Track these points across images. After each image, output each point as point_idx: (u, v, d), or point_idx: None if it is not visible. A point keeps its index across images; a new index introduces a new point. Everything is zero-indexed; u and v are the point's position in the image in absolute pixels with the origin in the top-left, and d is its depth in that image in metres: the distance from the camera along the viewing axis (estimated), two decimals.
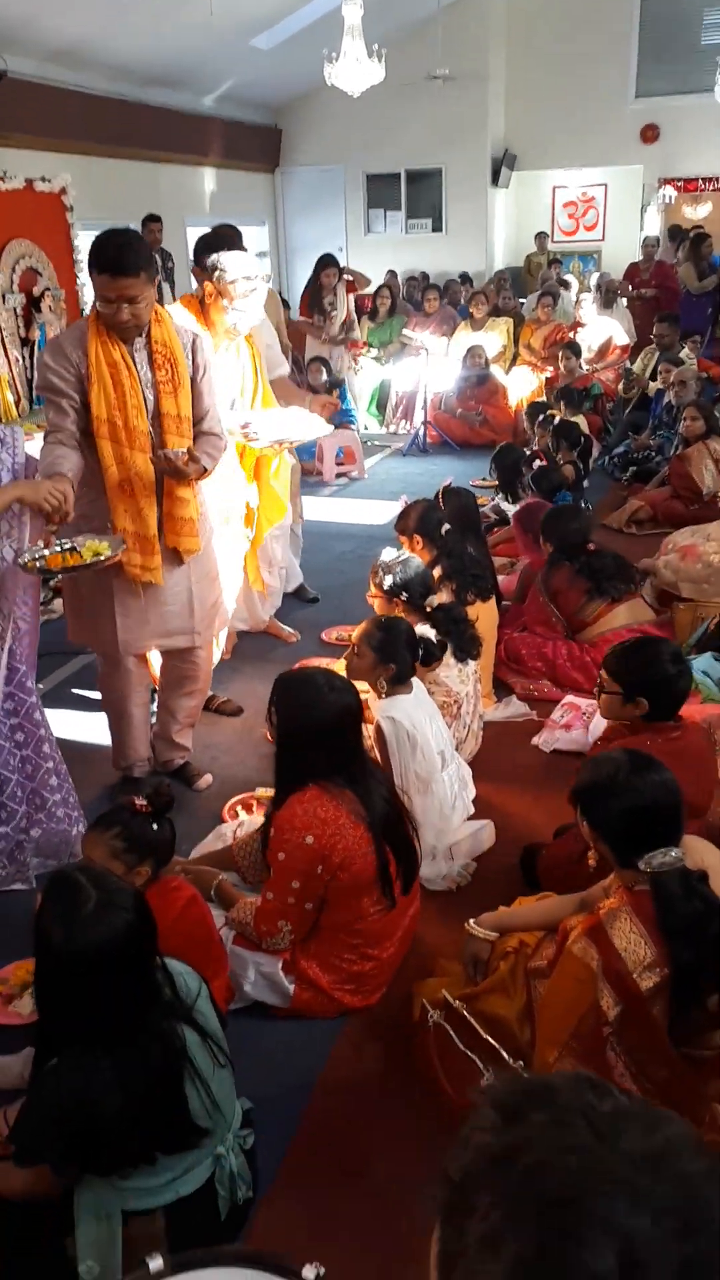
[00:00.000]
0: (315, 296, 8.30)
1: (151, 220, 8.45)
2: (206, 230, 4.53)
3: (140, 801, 2.23)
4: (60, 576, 2.95)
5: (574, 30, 11.57)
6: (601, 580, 4.15)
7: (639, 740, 2.54)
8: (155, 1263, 1.53)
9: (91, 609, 3.14)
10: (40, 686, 3.13)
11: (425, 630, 3.10)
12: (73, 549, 2.75)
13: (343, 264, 12.36)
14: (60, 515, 2.60)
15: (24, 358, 6.53)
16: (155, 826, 2.20)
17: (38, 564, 2.66)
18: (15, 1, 6.73)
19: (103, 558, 2.75)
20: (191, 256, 4.39)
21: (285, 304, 11.23)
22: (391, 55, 8.58)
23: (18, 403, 6.40)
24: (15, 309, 6.42)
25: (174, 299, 4.34)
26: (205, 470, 3.03)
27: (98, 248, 2.78)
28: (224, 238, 4.30)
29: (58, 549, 2.72)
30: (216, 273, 3.54)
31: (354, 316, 8.58)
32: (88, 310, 6.87)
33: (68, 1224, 1.75)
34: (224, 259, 3.55)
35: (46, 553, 2.70)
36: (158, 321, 2.95)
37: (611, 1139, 0.58)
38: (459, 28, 11.12)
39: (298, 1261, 1.47)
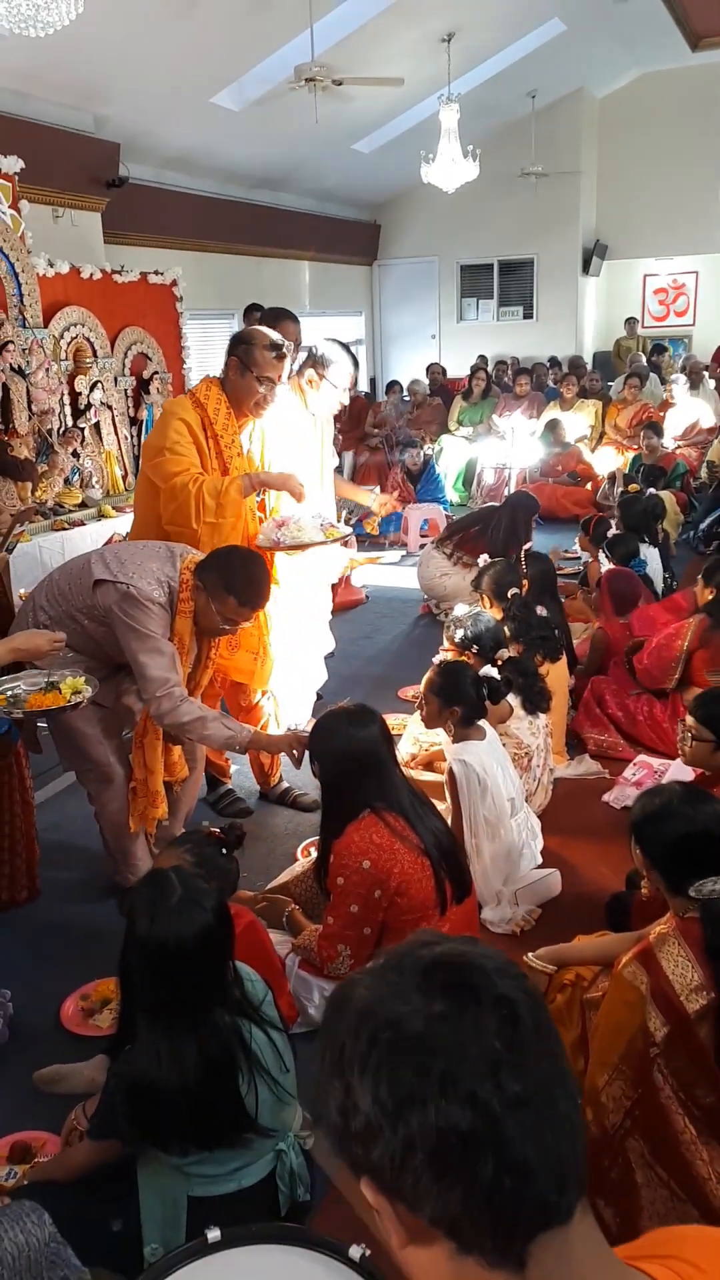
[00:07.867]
0: None
1: (254, 309, 8.96)
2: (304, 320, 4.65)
3: (215, 830, 2.39)
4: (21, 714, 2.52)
5: (666, 126, 12.00)
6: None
7: None
8: (213, 1234, 1.64)
9: (68, 730, 3.00)
10: None
11: (490, 671, 3.22)
12: (52, 684, 2.50)
13: (436, 351, 12.91)
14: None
15: (132, 435, 7.00)
16: (224, 852, 2.35)
17: (10, 708, 2.38)
18: (137, 116, 7.39)
19: (82, 697, 2.52)
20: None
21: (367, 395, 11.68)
22: (486, 154, 9.08)
23: (125, 477, 6.84)
24: (126, 390, 6.92)
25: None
26: None
27: (251, 584, 2.86)
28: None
29: (36, 686, 2.46)
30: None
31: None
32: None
33: (128, 1209, 1.86)
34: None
35: (22, 688, 2.44)
36: None
37: None
38: (553, 128, 11.65)
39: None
